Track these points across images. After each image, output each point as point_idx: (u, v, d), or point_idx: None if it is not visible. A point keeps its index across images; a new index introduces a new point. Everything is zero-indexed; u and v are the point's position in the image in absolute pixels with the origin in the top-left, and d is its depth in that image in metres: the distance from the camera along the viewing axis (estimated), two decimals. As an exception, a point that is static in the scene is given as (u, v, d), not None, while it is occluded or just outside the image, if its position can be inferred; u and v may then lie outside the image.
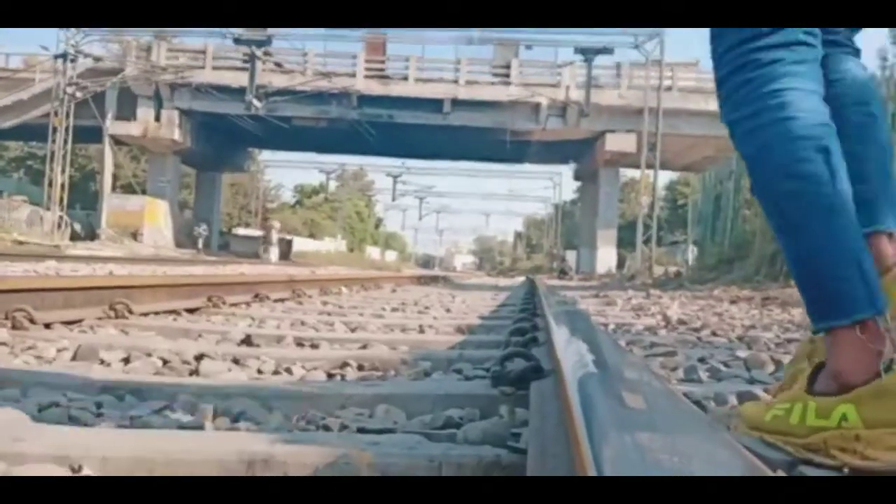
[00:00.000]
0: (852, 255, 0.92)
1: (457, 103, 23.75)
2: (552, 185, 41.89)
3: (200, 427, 1.26)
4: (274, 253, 26.92)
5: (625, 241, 26.72)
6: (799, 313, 4.10)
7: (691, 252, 14.19)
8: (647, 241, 20.71)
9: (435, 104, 23.69)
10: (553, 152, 28.12)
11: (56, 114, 22.06)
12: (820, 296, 0.95)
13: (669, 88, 21.42)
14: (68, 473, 0.92)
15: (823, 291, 0.94)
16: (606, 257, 24.17)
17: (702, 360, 1.99)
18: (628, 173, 31.39)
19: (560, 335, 1.43)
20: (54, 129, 22.13)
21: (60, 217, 22.21)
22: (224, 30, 22.70)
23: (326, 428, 1.23)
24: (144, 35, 24.40)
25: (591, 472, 0.55)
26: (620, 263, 23.35)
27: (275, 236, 28.06)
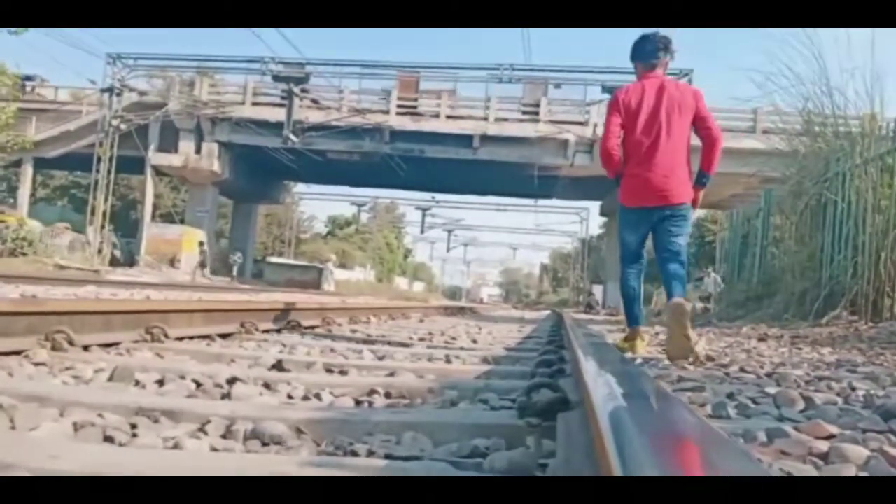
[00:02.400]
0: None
1: (486, 139, 24.00)
2: (579, 219, 41.73)
3: (231, 449, 1.27)
4: (331, 283, 30.35)
5: (651, 277, 26.25)
6: (828, 352, 3.96)
7: (718, 283, 13.88)
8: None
9: (465, 139, 23.98)
10: (580, 188, 28.03)
11: (101, 144, 22.98)
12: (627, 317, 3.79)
13: (696, 127, 21.28)
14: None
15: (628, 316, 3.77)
16: (633, 293, 23.68)
17: (730, 395, 1.93)
18: (655, 210, 31.04)
19: (588, 366, 1.42)
20: (98, 160, 23.02)
21: (101, 242, 22.92)
22: (264, 66, 23.55)
23: (354, 453, 1.24)
24: (187, 71, 25.41)
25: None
26: (647, 299, 22.96)
27: (331, 268, 32.61)
